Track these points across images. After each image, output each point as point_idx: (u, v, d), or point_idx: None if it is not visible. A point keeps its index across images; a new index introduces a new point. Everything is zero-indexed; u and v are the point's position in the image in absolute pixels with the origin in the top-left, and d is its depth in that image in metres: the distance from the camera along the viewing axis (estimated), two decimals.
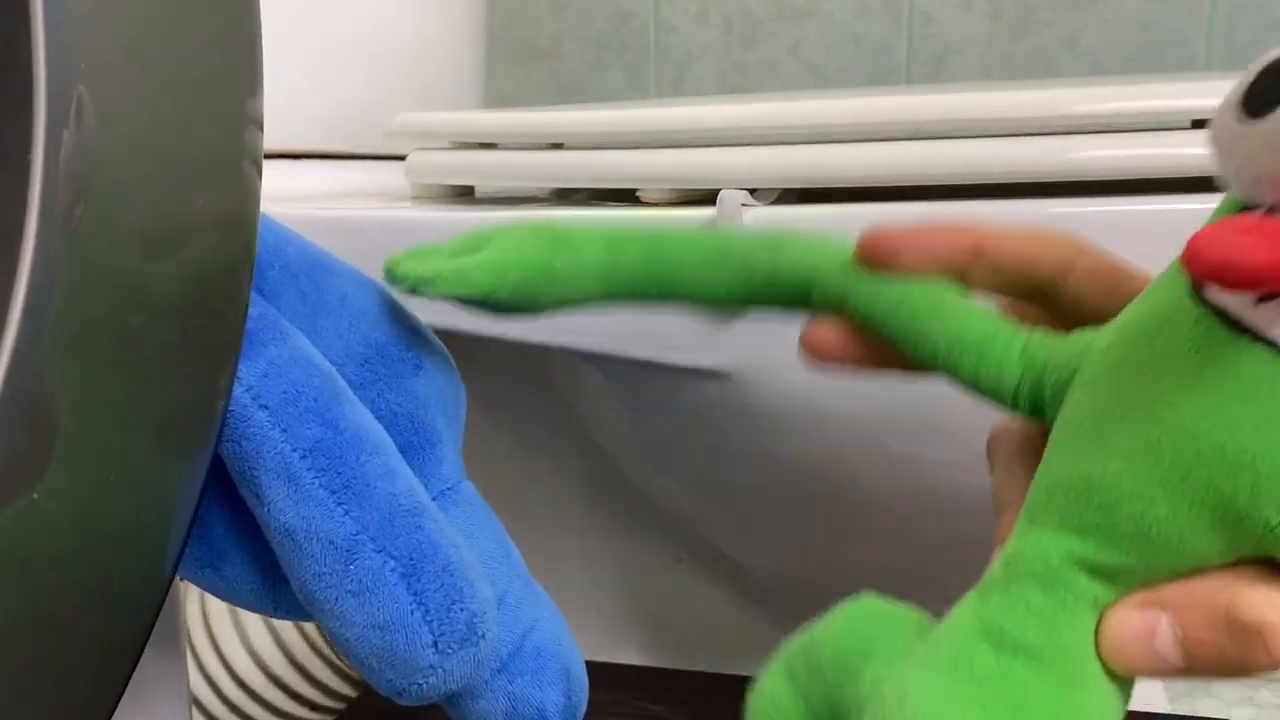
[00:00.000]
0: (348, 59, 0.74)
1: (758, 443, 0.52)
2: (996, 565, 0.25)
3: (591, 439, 0.63)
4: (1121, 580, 0.23)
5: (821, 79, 1.01)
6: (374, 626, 0.30)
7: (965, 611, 0.25)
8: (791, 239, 0.30)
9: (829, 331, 0.30)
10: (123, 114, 0.23)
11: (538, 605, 0.36)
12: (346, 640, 0.31)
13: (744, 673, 0.66)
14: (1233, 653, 0.21)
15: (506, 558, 0.36)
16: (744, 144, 0.48)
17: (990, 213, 0.45)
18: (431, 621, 0.31)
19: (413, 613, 0.30)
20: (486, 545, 0.35)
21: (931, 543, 0.52)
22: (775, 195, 0.48)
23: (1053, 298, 0.28)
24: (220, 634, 0.61)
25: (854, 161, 0.46)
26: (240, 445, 0.30)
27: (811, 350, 0.30)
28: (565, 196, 0.58)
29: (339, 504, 0.30)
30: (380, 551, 0.30)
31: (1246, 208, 0.20)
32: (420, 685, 0.31)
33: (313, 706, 0.62)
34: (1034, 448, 0.27)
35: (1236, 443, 0.20)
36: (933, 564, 0.44)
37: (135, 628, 0.27)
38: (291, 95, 0.70)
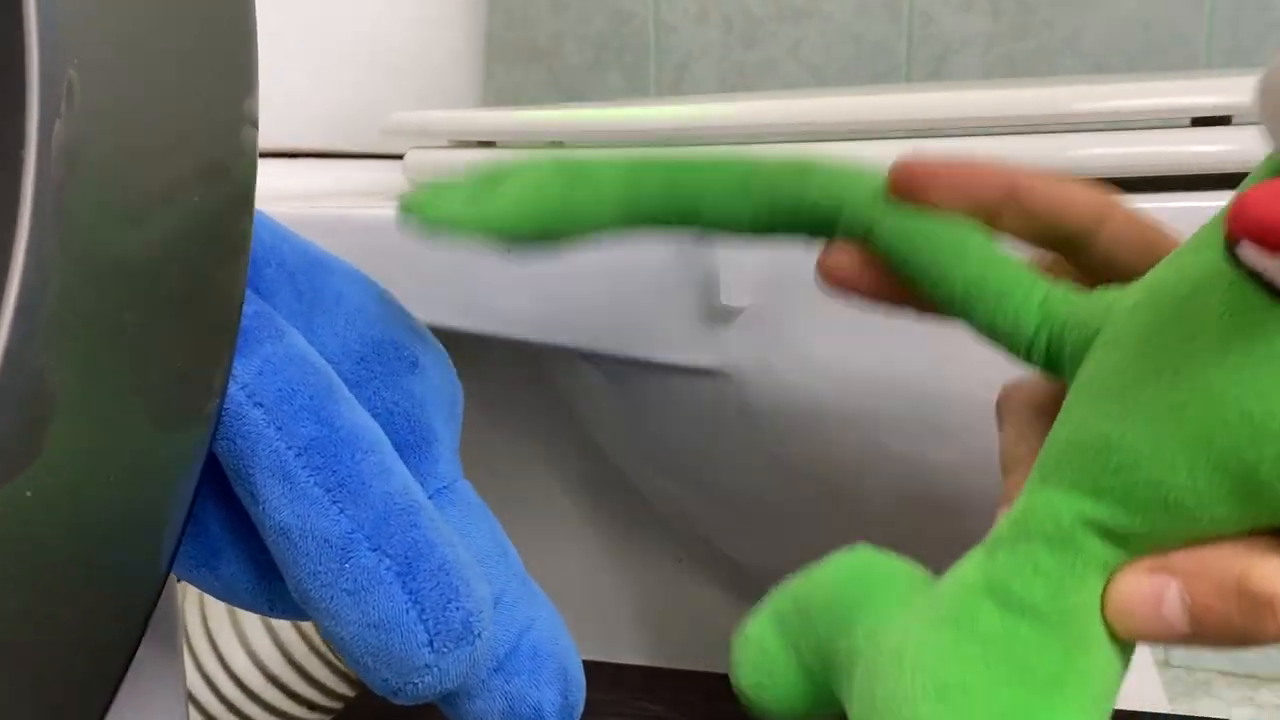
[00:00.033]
0: (347, 58, 0.74)
1: (757, 442, 0.52)
2: (1004, 523, 0.24)
3: (590, 438, 0.63)
4: (1133, 545, 0.22)
5: (821, 79, 1.01)
6: (369, 625, 0.30)
7: (970, 569, 0.24)
8: (819, 167, 0.29)
9: (849, 258, 0.29)
10: (114, 100, 0.23)
11: (535, 604, 0.36)
12: (342, 639, 0.31)
13: None
14: (1240, 622, 0.21)
15: (503, 557, 0.36)
16: (742, 143, 0.48)
17: None
18: (427, 620, 0.30)
19: (408, 611, 0.30)
20: (483, 544, 0.35)
21: (931, 542, 0.52)
22: None
23: (1081, 251, 0.27)
24: (219, 634, 0.61)
25: (851, 160, 0.46)
26: (235, 443, 0.30)
27: (829, 276, 0.29)
28: None
29: (334, 502, 0.30)
30: (375, 550, 0.30)
31: None
32: (416, 684, 0.31)
33: (311, 706, 0.62)
34: (1045, 408, 0.27)
35: (1265, 410, 0.20)
36: (932, 563, 0.44)
37: (129, 624, 0.27)
38: (291, 95, 0.70)
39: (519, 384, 0.64)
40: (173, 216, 0.25)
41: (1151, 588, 0.22)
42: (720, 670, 0.64)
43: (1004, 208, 0.27)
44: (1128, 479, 0.22)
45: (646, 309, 0.50)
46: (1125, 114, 0.45)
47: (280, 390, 0.30)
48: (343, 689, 0.62)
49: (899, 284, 0.28)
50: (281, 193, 0.64)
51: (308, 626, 0.60)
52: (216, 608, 0.61)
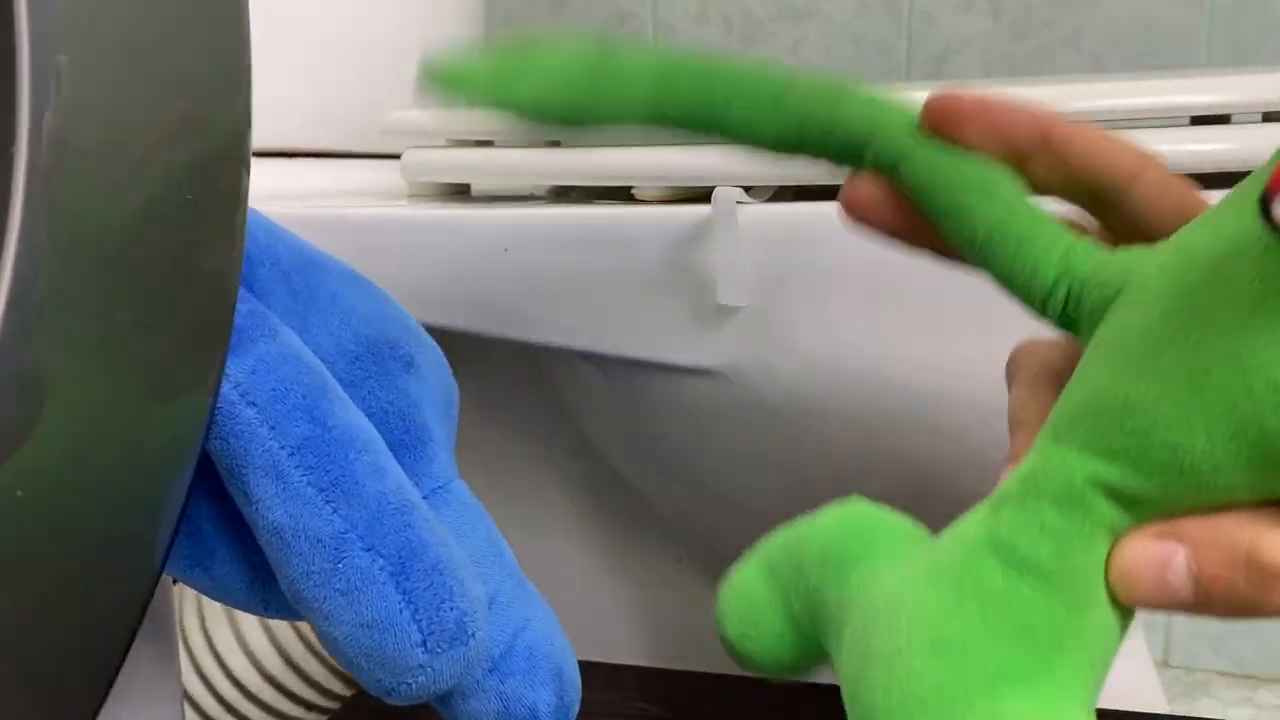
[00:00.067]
0: (346, 58, 0.74)
1: (755, 442, 0.52)
2: (1011, 481, 0.24)
3: (588, 438, 0.63)
4: (1143, 509, 0.22)
5: None
6: (362, 625, 0.30)
7: (973, 525, 0.24)
8: (853, 93, 0.29)
9: (873, 190, 0.28)
10: (104, 85, 0.23)
11: (530, 604, 0.36)
12: (335, 639, 0.31)
13: (741, 674, 0.66)
14: (1246, 593, 0.21)
15: (498, 556, 0.36)
16: None
17: None
18: (420, 620, 0.30)
19: (401, 611, 0.30)
20: (478, 544, 0.35)
21: None
22: (770, 193, 0.48)
23: (1110, 208, 0.27)
24: (216, 634, 0.61)
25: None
26: (228, 442, 0.30)
27: (851, 207, 0.29)
28: (563, 195, 0.58)
29: (327, 502, 0.30)
30: (369, 550, 0.30)
31: None
32: (409, 685, 0.31)
33: (308, 706, 0.62)
34: (1057, 369, 0.27)
35: None
36: None
37: (123, 622, 0.27)
38: (289, 95, 0.70)
39: (517, 383, 0.64)
40: (163, 203, 0.25)
41: (1158, 553, 0.22)
42: (718, 671, 0.64)
43: (1037, 153, 0.26)
44: (1144, 441, 0.21)
45: (645, 309, 0.50)
46: (1124, 113, 0.45)
47: (274, 389, 0.30)
48: (339, 688, 0.62)
49: (921, 223, 0.27)
50: (278, 192, 0.63)
51: (305, 626, 0.60)
52: (214, 607, 0.61)
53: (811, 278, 0.47)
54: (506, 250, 0.52)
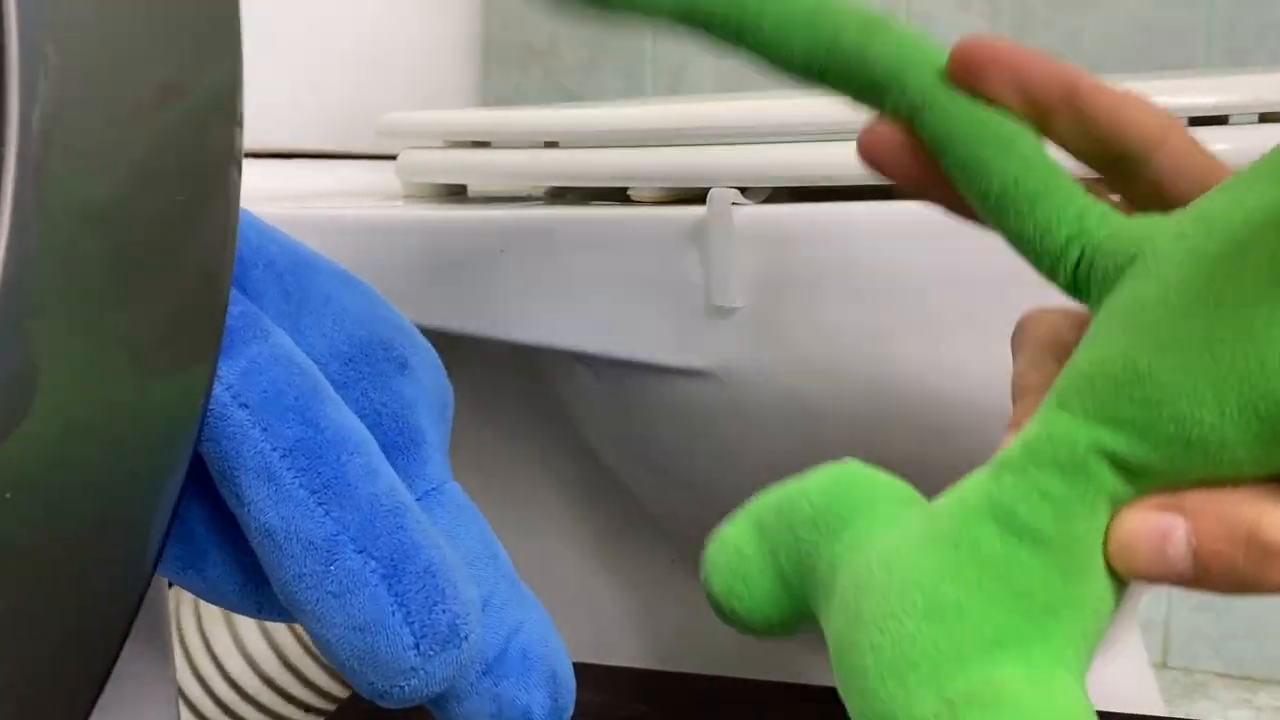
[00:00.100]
0: (345, 59, 0.74)
1: (750, 444, 0.52)
2: (1013, 447, 0.24)
3: (583, 440, 0.63)
4: (1146, 479, 0.22)
5: None
6: (354, 628, 0.30)
7: (972, 490, 0.24)
8: (888, 28, 0.28)
9: (893, 136, 0.27)
10: (91, 65, 0.23)
11: (524, 607, 0.36)
12: (328, 642, 0.31)
13: (737, 676, 0.66)
14: (1244, 569, 0.21)
15: (492, 559, 0.36)
16: (735, 142, 0.47)
17: None
18: (413, 623, 0.30)
19: (393, 614, 0.30)
20: (472, 546, 0.35)
21: None
22: (766, 194, 0.48)
23: (1131, 174, 0.26)
24: (213, 636, 0.61)
25: (846, 159, 0.46)
26: (220, 444, 0.30)
27: (869, 150, 0.28)
28: (558, 196, 0.58)
29: (319, 504, 0.30)
30: (361, 552, 0.30)
31: None
32: (402, 687, 0.31)
33: (305, 708, 0.62)
34: (1065, 338, 0.26)
35: None
36: None
37: (115, 622, 0.27)
38: (286, 95, 0.70)
39: (512, 385, 0.64)
40: (152, 168, 0.24)
41: (1159, 525, 0.22)
42: (713, 673, 0.64)
43: (1061, 110, 0.26)
44: (1152, 412, 0.21)
45: (639, 310, 0.50)
46: None
47: (266, 391, 0.30)
48: (338, 690, 0.62)
49: (937, 174, 0.27)
50: (273, 193, 0.63)
51: (301, 628, 0.60)
52: (211, 609, 0.61)
53: (807, 279, 0.47)
54: (502, 251, 0.52)
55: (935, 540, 0.24)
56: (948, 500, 0.24)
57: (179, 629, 0.62)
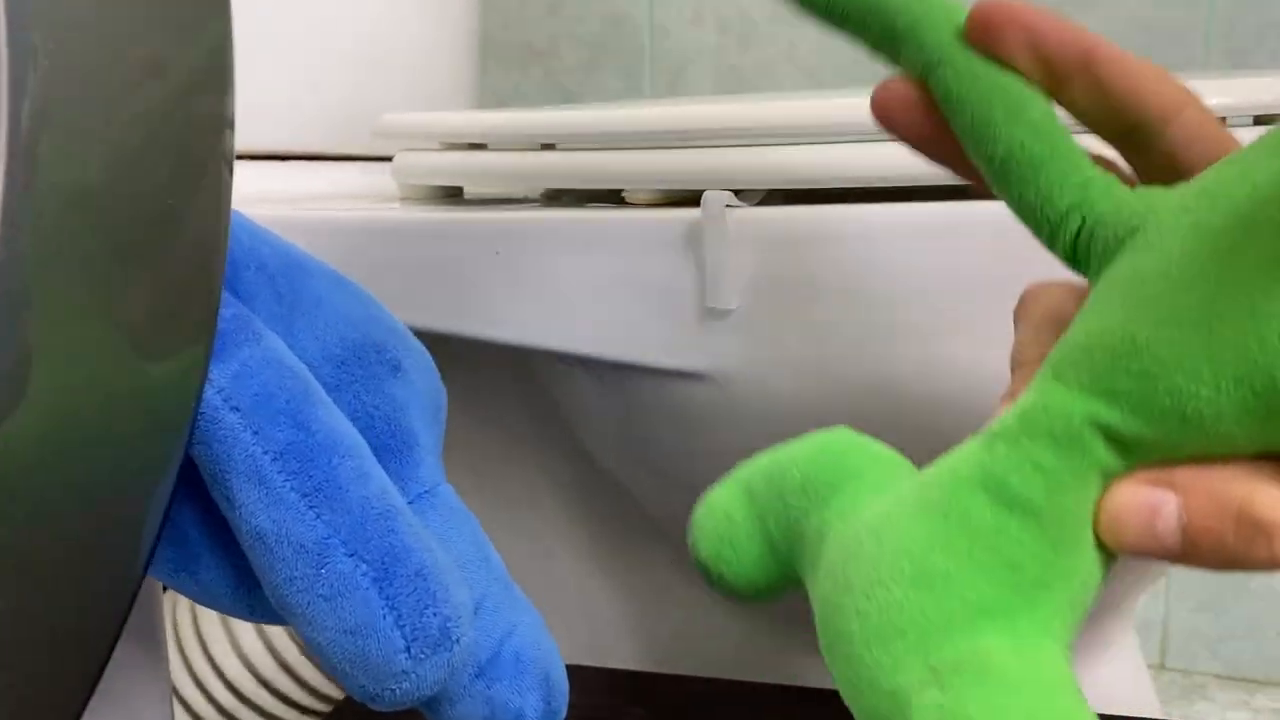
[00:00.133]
0: (343, 59, 0.74)
1: (746, 446, 0.52)
2: (1007, 417, 0.23)
3: (579, 442, 0.63)
4: (1139, 453, 0.22)
5: (818, 81, 1.01)
6: (345, 631, 0.30)
7: (964, 460, 0.24)
8: None
9: (906, 92, 0.27)
10: (80, 48, 0.23)
11: (517, 609, 0.36)
12: (319, 645, 0.31)
13: (732, 678, 0.66)
14: (1234, 546, 0.21)
15: (485, 561, 0.36)
16: (729, 144, 0.47)
17: (983, 214, 0.44)
18: (404, 626, 0.30)
19: (384, 617, 0.30)
20: (464, 549, 0.35)
21: None
22: (761, 196, 0.48)
23: (1143, 146, 0.26)
24: (210, 637, 0.61)
25: (840, 162, 0.46)
26: (211, 447, 0.30)
27: (880, 107, 0.28)
28: (554, 198, 0.58)
29: (310, 507, 0.30)
30: (352, 555, 0.30)
31: None
32: (393, 690, 0.31)
33: (302, 710, 0.62)
34: (1065, 312, 0.26)
35: None
36: None
37: (106, 622, 0.27)
38: (284, 96, 0.70)
39: (507, 387, 0.64)
40: (141, 143, 0.24)
41: (1149, 500, 0.22)
42: (710, 675, 0.64)
43: (1077, 76, 0.25)
44: (1148, 385, 0.21)
45: (635, 312, 0.50)
46: None
47: (257, 394, 0.30)
48: (335, 692, 0.62)
49: (948, 135, 0.27)
50: (267, 195, 0.63)
51: None
52: (208, 610, 0.61)
53: (801, 281, 0.47)
54: (497, 253, 0.52)
55: (925, 509, 0.24)
56: (938, 469, 0.24)
57: (175, 631, 0.62)
